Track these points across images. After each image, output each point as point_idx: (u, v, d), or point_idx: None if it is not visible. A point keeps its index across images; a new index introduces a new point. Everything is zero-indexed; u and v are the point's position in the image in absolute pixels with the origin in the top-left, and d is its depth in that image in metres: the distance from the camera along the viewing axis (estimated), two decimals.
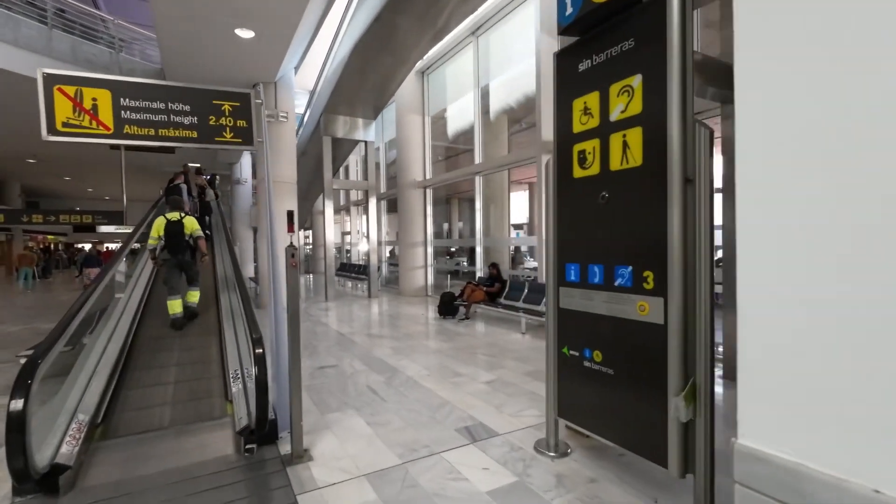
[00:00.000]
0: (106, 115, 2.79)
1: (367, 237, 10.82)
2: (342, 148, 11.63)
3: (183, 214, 5.26)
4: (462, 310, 7.88)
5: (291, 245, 2.87)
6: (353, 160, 15.03)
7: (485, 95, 9.64)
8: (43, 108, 2.74)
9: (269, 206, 3.43)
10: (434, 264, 11.60)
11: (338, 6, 8.59)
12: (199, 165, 11.83)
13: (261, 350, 2.92)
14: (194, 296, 5.25)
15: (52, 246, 31.51)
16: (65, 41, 9.44)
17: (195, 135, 3.02)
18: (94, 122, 2.73)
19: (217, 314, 5.23)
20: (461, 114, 10.76)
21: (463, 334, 6.73)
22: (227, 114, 3.09)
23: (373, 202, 10.92)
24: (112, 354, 3.82)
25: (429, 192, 11.34)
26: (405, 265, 11.48)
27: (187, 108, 2.95)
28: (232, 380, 3.56)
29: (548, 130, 7.18)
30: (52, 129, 2.71)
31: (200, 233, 5.31)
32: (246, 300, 3.69)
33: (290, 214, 3.15)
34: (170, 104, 2.91)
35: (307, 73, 11.24)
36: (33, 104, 9.10)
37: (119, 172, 20.73)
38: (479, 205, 9.69)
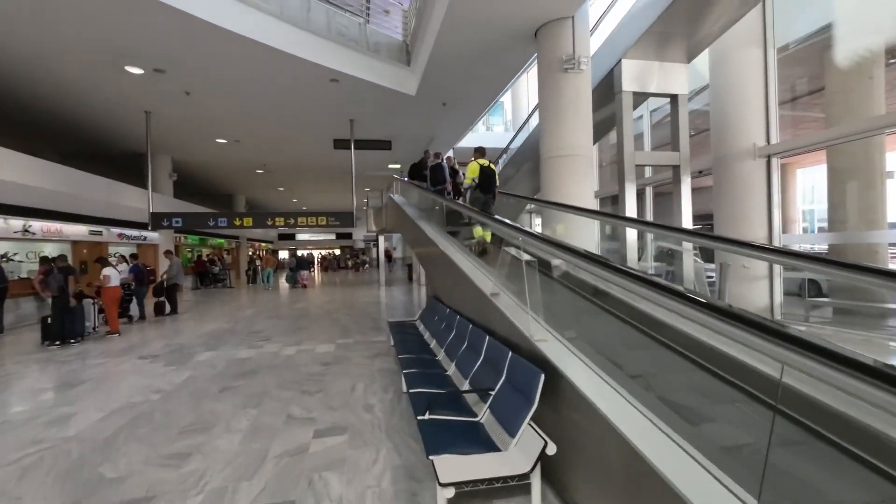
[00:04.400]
0: None
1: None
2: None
3: (489, 161, 6.37)
4: None
5: None
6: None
7: None
8: None
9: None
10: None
11: None
12: (439, 152, 9.95)
13: None
14: (487, 234, 5.69)
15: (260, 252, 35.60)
16: (321, 12, 8.23)
17: None
18: None
19: None
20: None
21: None
22: None
23: (686, 182, 7.58)
24: None
25: (775, 163, 7.48)
26: (729, 273, 7.77)
27: None
28: None
29: None
30: None
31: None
32: None
33: None
34: None
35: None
36: (287, 94, 7.73)
37: (330, 180, 21.25)
38: None
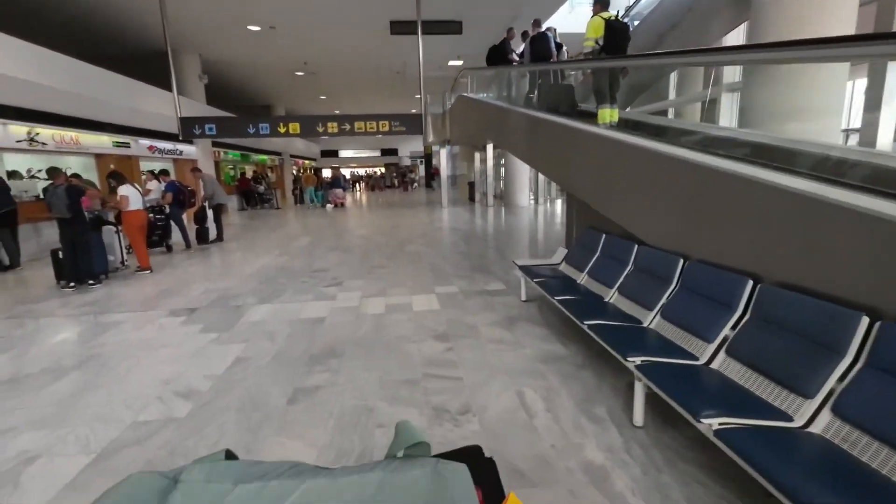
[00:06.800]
0: None
1: None
2: None
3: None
4: None
5: None
6: None
7: None
8: None
9: None
10: None
11: None
12: (538, 19, 7.10)
13: None
14: (615, 114, 4.27)
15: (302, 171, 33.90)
16: None
17: None
18: None
19: None
20: None
21: None
22: None
23: None
24: None
25: None
26: None
27: None
28: None
29: None
30: None
31: None
32: None
33: None
34: None
35: None
36: None
37: (378, 85, 18.43)
38: None
